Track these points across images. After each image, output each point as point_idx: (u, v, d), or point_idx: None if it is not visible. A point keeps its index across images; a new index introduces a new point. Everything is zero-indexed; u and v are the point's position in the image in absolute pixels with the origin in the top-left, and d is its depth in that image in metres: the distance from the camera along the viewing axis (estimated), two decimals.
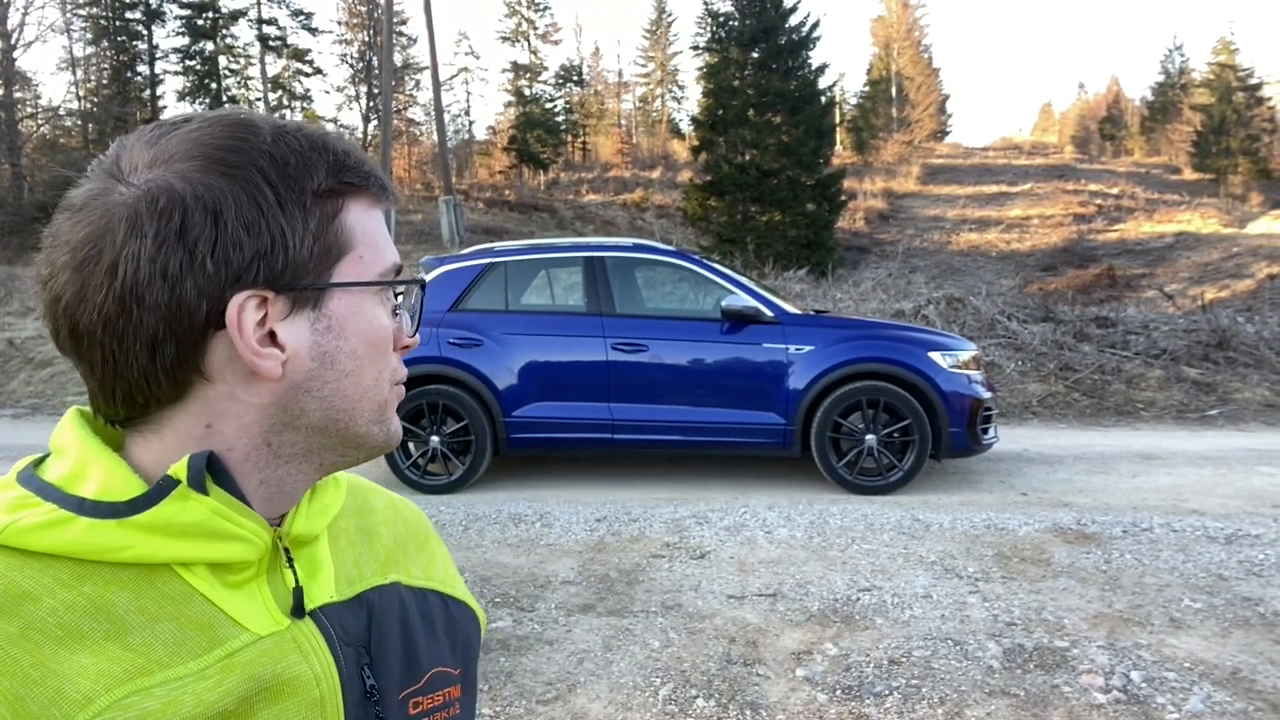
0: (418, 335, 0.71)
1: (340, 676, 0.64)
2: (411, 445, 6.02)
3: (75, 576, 0.56)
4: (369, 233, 0.66)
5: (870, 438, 5.78)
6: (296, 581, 0.64)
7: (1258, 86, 36.76)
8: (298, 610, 0.63)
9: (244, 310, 0.60)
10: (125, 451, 0.63)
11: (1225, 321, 10.76)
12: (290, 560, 0.65)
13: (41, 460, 0.64)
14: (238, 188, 0.60)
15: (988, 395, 5.95)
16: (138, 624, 0.57)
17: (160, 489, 0.58)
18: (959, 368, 5.87)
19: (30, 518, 0.57)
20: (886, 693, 3.02)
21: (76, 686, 0.53)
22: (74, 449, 0.62)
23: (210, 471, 0.60)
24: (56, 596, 0.55)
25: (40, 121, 27.55)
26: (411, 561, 0.78)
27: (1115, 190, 30.75)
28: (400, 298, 0.70)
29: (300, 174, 0.62)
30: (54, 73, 60.35)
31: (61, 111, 29.06)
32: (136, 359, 0.59)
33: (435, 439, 5.96)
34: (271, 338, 0.61)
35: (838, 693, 3.03)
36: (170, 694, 0.55)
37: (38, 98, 31.21)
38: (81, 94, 30.63)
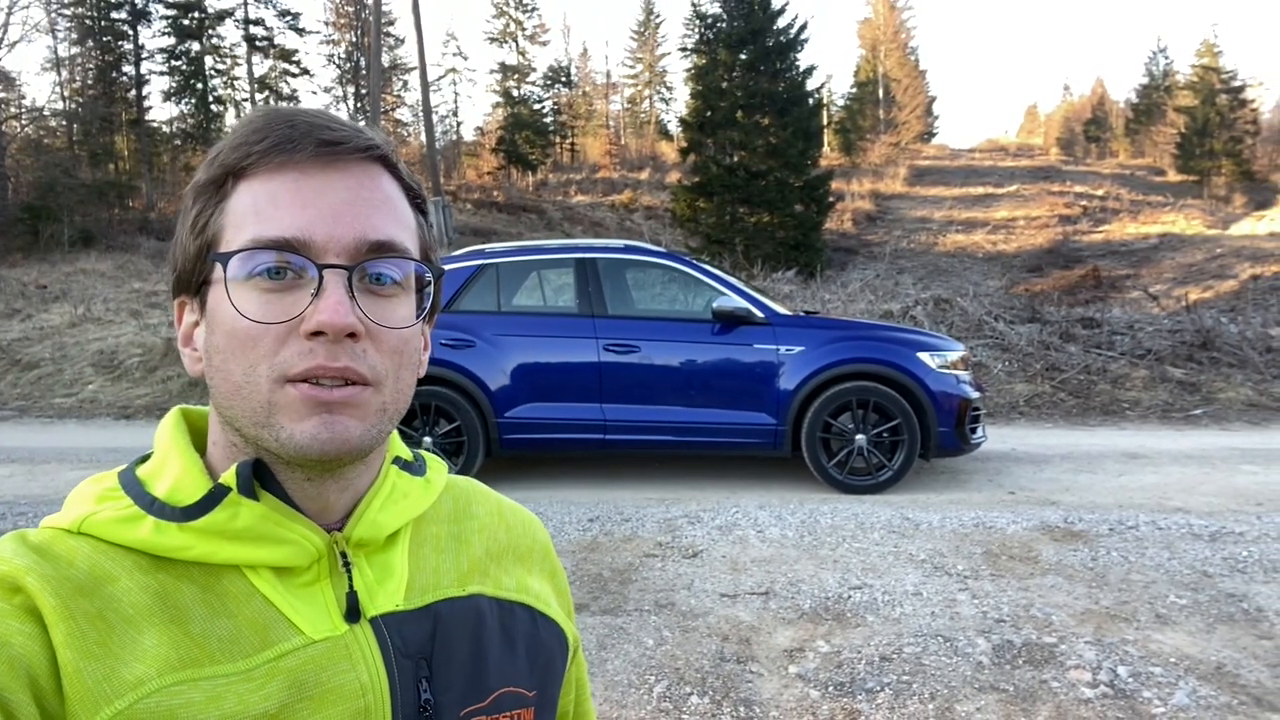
0: (334, 313, 0.58)
1: (391, 688, 0.62)
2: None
3: (152, 565, 0.60)
4: (240, 210, 0.61)
5: (860, 438, 5.83)
6: (350, 586, 0.64)
7: (1241, 89, 37.06)
8: (351, 615, 0.63)
9: (182, 313, 0.66)
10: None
11: (1209, 322, 10.86)
12: (347, 564, 0.65)
13: (150, 455, 0.67)
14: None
15: (976, 395, 6.00)
16: (200, 616, 0.59)
17: (213, 496, 0.61)
18: (947, 368, 5.92)
19: (107, 512, 0.61)
20: (878, 689, 3.06)
21: (132, 670, 0.56)
22: (161, 446, 0.66)
23: (258, 477, 0.62)
24: (134, 578, 0.59)
25: (24, 122, 27.29)
26: (505, 572, 0.75)
27: (1100, 192, 30.98)
28: (295, 274, 0.60)
29: (199, 170, 0.64)
30: (38, 73, 59.85)
31: (46, 112, 28.76)
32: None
33: (427, 440, 5.97)
34: None
35: (830, 689, 3.07)
36: (215, 689, 0.57)
37: (22, 98, 30.90)
38: (66, 94, 30.42)
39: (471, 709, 0.66)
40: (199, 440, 0.67)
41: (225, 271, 0.59)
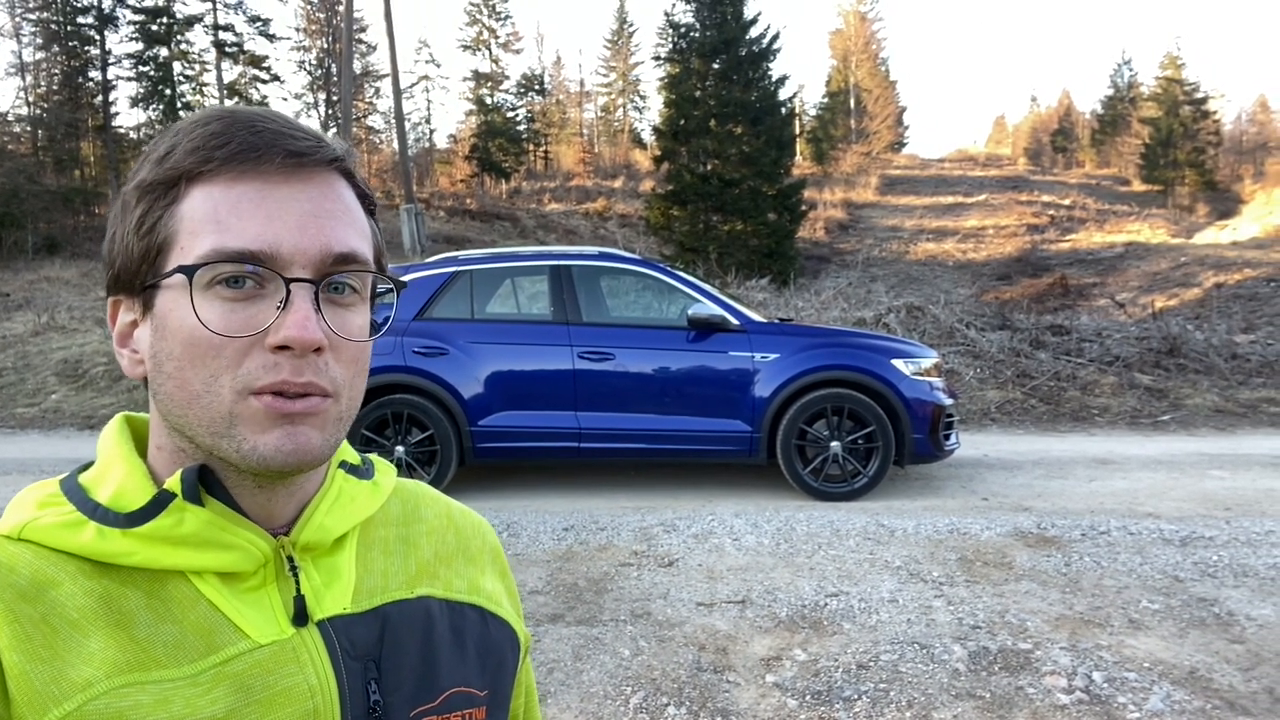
0: (302, 329, 0.58)
1: (340, 689, 0.62)
2: (376, 455, 5.97)
3: (95, 571, 0.59)
4: (197, 216, 0.59)
5: (835, 444, 5.84)
6: (297, 590, 0.64)
7: (1203, 100, 37.79)
8: (299, 619, 0.63)
9: (117, 312, 0.64)
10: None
11: (1175, 329, 11.02)
12: (294, 568, 0.64)
13: (93, 463, 0.67)
14: (122, 197, 0.63)
15: (949, 402, 6.03)
16: (144, 621, 0.59)
17: (158, 502, 0.61)
18: (921, 375, 5.95)
19: (48, 518, 0.60)
20: (855, 697, 3.05)
21: (79, 672, 0.55)
22: (104, 452, 0.65)
23: (204, 483, 0.61)
24: (77, 583, 0.58)
25: None
26: (454, 574, 0.76)
27: (1067, 201, 31.43)
28: (256, 283, 0.59)
29: (142, 168, 0.62)
30: (2, 78, 58.91)
31: (10, 117, 28.33)
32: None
33: (400, 449, 5.90)
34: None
35: (807, 698, 3.05)
36: (163, 693, 0.56)
37: None
38: (31, 100, 29.87)
39: (422, 709, 0.67)
40: (143, 447, 0.66)
41: (191, 281, 0.58)
